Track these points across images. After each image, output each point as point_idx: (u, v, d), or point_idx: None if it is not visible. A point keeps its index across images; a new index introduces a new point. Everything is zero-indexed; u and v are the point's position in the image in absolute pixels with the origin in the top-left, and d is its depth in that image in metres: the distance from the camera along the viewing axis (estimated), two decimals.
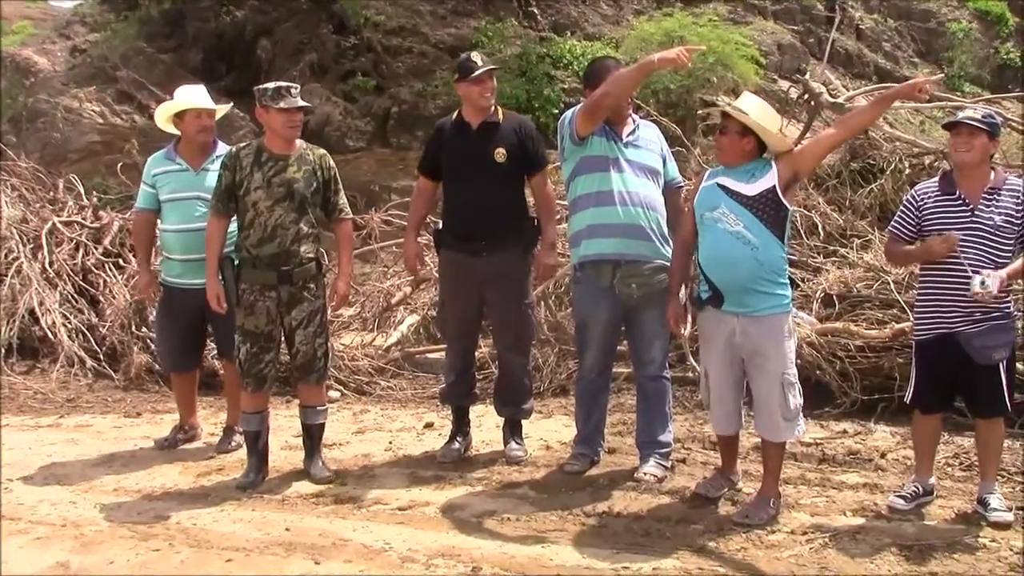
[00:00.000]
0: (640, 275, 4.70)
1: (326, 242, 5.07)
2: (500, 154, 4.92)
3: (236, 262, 4.81)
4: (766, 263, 4.17)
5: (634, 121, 4.90)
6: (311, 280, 4.83)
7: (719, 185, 4.27)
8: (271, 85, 4.78)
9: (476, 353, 5.46)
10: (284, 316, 4.79)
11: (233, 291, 4.77)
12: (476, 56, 5.02)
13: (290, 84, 4.82)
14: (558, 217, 5.77)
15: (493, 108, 5.02)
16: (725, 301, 4.22)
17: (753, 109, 4.28)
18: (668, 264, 4.72)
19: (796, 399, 4.26)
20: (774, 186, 4.18)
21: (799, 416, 4.31)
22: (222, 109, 5.60)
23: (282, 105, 4.70)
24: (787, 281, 4.31)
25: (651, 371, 4.89)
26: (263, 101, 4.72)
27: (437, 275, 5.95)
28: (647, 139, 4.90)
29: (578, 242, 4.83)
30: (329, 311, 5.06)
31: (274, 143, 4.79)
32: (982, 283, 3.97)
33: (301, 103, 4.79)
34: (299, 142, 4.86)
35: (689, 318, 5.44)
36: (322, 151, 4.98)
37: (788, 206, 4.24)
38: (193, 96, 5.40)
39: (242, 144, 4.92)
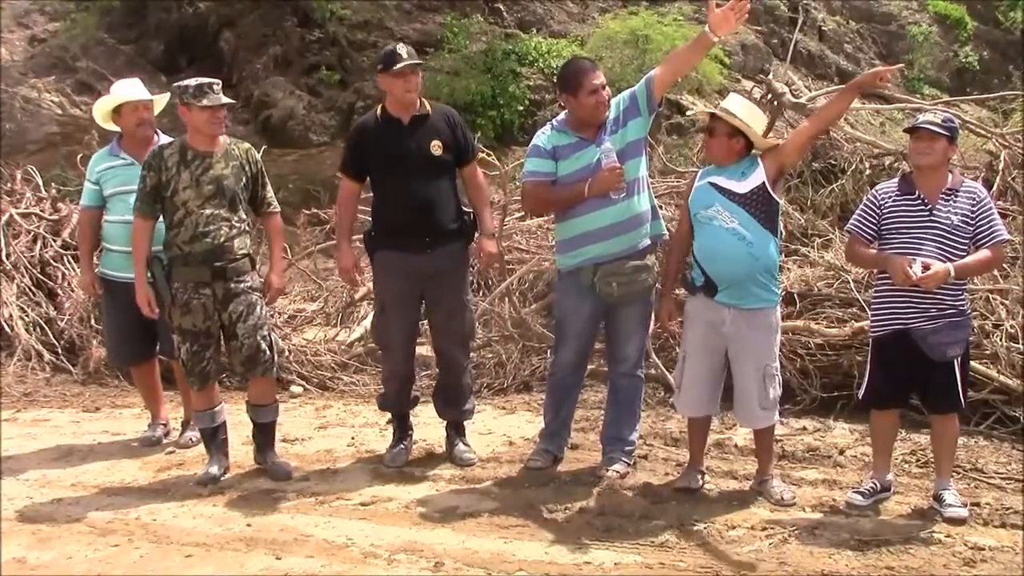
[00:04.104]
0: (622, 274, 4.64)
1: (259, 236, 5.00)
2: (436, 146, 4.79)
3: (165, 261, 4.73)
4: (761, 258, 4.33)
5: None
6: (246, 275, 4.76)
7: (712, 184, 4.39)
8: (192, 82, 4.68)
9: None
10: (221, 312, 4.71)
11: (166, 290, 4.69)
12: (402, 48, 4.78)
13: (212, 80, 4.73)
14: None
15: (419, 101, 4.88)
16: (718, 292, 4.34)
17: (740, 110, 4.41)
18: (651, 249, 4.74)
19: (776, 391, 4.47)
20: (763, 183, 4.34)
21: (776, 406, 4.51)
22: (160, 100, 5.52)
23: (205, 103, 4.62)
24: (777, 277, 4.47)
25: (625, 368, 4.88)
26: (184, 99, 4.63)
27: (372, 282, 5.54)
28: (616, 117, 4.69)
29: (567, 250, 4.77)
30: (265, 305, 4.99)
31: (198, 141, 4.71)
32: (917, 267, 4.03)
33: (224, 100, 4.71)
34: (223, 138, 4.79)
35: (653, 315, 5.47)
36: (247, 145, 4.91)
37: (778, 200, 4.42)
38: (128, 90, 5.31)
39: (164, 143, 4.85)
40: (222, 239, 4.67)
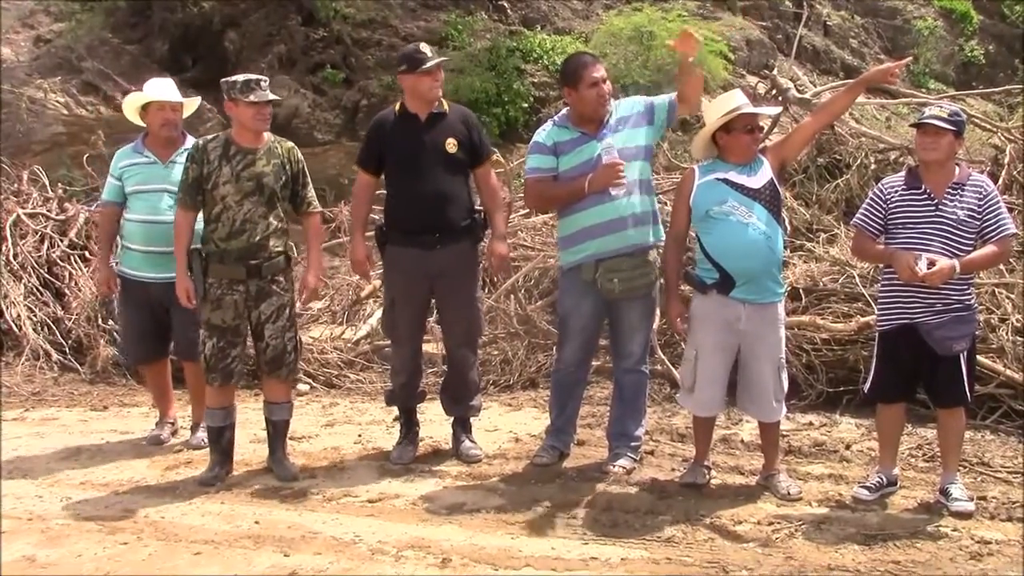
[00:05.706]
0: (622, 270, 4.66)
1: (293, 235, 5.03)
2: (452, 144, 4.83)
3: (204, 255, 4.76)
4: (777, 251, 4.39)
5: (611, 109, 4.76)
6: (280, 274, 4.80)
7: (721, 179, 4.39)
8: (240, 78, 4.73)
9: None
10: (252, 310, 4.75)
11: (201, 285, 4.72)
12: (425, 47, 4.88)
13: (259, 77, 4.77)
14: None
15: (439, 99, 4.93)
16: (736, 288, 4.34)
17: (748, 101, 4.43)
18: (651, 248, 4.74)
19: (786, 382, 4.52)
20: (772, 177, 4.38)
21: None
22: (190, 103, 5.53)
23: (252, 98, 4.65)
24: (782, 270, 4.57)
25: (629, 364, 4.89)
26: (232, 94, 4.66)
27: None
28: (625, 117, 4.75)
29: (569, 246, 4.79)
30: (298, 305, 5.03)
31: (243, 136, 4.75)
32: (923, 263, 4.04)
33: (271, 96, 4.74)
34: (267, 135, 4.82)
35: (657, 311, 5.47)
36: (290, 144, 4.94)
37: (783, 194, 4.47)
38: (158, 89, 5.34)
39: (209, 137, 4.87)
40: (258, 237, 4.69)
